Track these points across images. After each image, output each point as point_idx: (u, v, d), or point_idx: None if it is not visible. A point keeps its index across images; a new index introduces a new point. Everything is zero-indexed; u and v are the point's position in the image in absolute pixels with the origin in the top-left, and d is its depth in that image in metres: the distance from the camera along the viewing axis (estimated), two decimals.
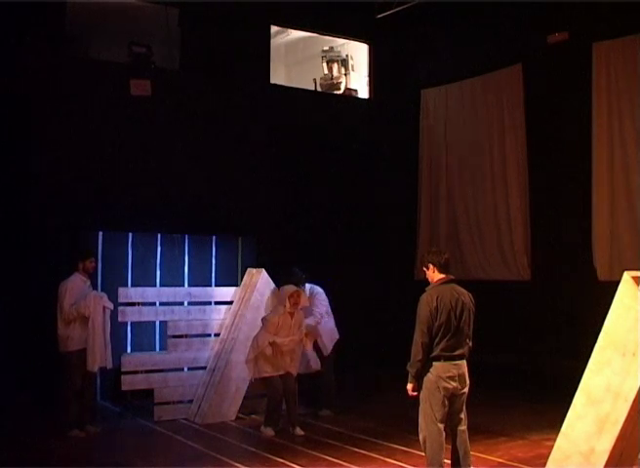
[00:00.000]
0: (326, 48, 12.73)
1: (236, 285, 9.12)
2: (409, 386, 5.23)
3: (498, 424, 7.78)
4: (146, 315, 8.60)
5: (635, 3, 8.73)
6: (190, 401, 8.36)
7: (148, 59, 10.34)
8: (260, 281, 8.63)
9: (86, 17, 10.04)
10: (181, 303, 9.01)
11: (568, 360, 8.30)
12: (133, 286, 9.28)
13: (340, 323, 8.67)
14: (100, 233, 9.46)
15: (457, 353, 5.22)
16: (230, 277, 9.97)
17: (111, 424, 8.01)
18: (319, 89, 12.59)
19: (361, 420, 8.18)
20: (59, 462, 6.28)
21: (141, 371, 8.28)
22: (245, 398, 8.39)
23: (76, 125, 9.56)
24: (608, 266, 9.63)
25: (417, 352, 5.15)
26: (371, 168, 12.17)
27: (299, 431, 7.52)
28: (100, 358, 7.32)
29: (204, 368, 8.51)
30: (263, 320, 7.84)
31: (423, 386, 5.22)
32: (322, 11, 11.72)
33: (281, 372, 7.68)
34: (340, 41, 12.76)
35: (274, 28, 11.95)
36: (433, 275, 5.42)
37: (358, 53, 12.84)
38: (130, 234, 9.70)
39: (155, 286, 9.63)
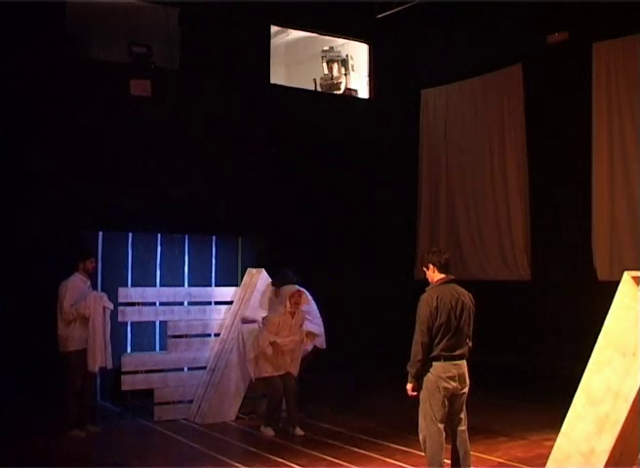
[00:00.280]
0: (326, 48, 12.73)
1: (236, 285, 9.11)
2: (409, 386, 5.22)
3: (498, 424, 7.78)
4: (146, 315, 8.60)
5: (635, 3, 8.74)
6: (190, 401, 8.36)
7: (148, 59, 10.35)
8: (260, 281, 8.63)
9: (86, 17, 10.05)
10: (181, 303, 9.00)
11: (568, 360, 8.29)
12: (133, 286, 9.28)
13: (340, 323, 8.66)
14: (100, 233, 9.46)
15: (457, 353, 5.21)
16: (230, 277, 9.97)
17: (111, 424, 8.01)
18: (319, 89, 12.59)
19: (361, 420, 8.18)
20: (59, 462, 6.28)
21: (141, 371, 8.28)
22: (245, 398, 8.39)
23: (76, 125, 9.57)
24: (608, 266, 9.63)
25: (417, 352, 5.15)
26: (371, 168, 12.17)
27: (299, 431, 7.52)
28: (100, 358, 7.31)
29: (204, 368, 8.50)
30: (264, 320, 7.84)
31: (423, 386, 5.22)
32: (322, 11, 11.72)
33: (281, 372, 7.68)
34: (340, 41, 12.76)
35: (274, 28, 11.95)
36: (433, 275, 5.41)
37: (358, 53, 12.84)
38: (130, 234, 9.71)
39: (155, 286, 9.64)
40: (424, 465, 5.40)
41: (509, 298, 10.85)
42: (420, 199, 12.42)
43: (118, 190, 9.76)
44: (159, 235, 9.88)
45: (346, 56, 12.68)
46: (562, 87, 10.39)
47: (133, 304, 8.39)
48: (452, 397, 5.22)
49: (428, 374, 5.19)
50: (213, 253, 10.26)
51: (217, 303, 8.93)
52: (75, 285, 7.45)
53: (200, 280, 9.94)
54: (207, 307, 8.87)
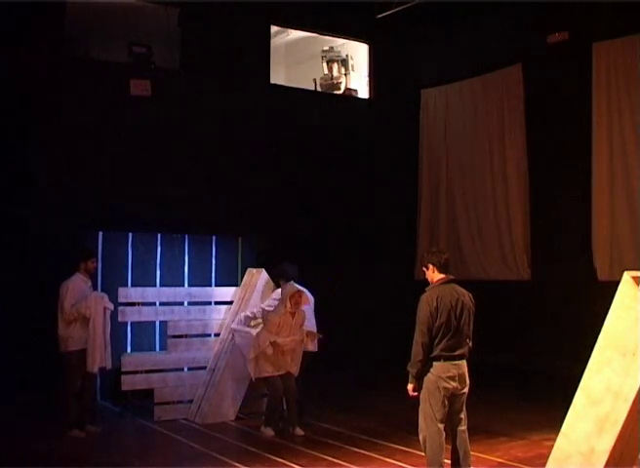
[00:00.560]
0: (326, 48, 12.72)
1: (236, 285, 9.12)
2: (409, 386, 5.22)
3: (498, 424, 7.78)
4: (146, 315, 8.60)
5: (635, 3, 8.74)
6: (190, 401, 8.36)
7: (148, 59, 10.35)
8: (260, 281, 8.63)
9: (86, 17, 10.05)
10: (181, 303, 9.01)
11: (568, 360, 8.29)
12: (133, 286, 9.29)
13: (340, 323, 8.65)
14: (100, 233, 9.47)
15: (457, 353, 5.22)
16: (230, 277, 9.98)
17: (111, 424, 8.01)
18: (319, 89, 12.59)
19: (361, 420, 8.18)
20: (59, 462, 6.28)
21: (141, 371, 8.28)
22: (245, 398, 8.39)
23: (76, 125, 9.56)
24: (608, 266, 9.64)
25: (417, 352, 5.15)
26: (371, 168, 12.17)
27: (299, 431, 7.51)
28: (99, 358, 7.31)
29: (204, 368, 8.50)
30: (264, 319, 7.84)
31: (423, 386, 5.22)
32: (322, 11, 11.72)
33: (282, 372, 7.67)
34: (340, 41, 12.75)
35: (274, 28, 11.95)
36: (433, 275, 5.41)
37: (358, 53, 12.84)
38: (130, 234, 9.72)
39: (155, 286, 9.65)
40: (424, 465, 5.40)
41: (509, 298, 10.85)
42: (420, 199, 12.42)
43: (118, 190, 9.76)
44: (159, 235, 9.89)
45: (346, 56, 12.68)
46: (562, 87, 10.40)
47: (133, 304, 8.39)
48: (452, 397, 5.22)
49: (428, 374, 5.19)
50: (213, 254, 10.27)
51: (217, 303, 8.94)
52: (76, 285, 7.45)
53: (200, 280, 9.94)
54: (207, 307, 8.87)
